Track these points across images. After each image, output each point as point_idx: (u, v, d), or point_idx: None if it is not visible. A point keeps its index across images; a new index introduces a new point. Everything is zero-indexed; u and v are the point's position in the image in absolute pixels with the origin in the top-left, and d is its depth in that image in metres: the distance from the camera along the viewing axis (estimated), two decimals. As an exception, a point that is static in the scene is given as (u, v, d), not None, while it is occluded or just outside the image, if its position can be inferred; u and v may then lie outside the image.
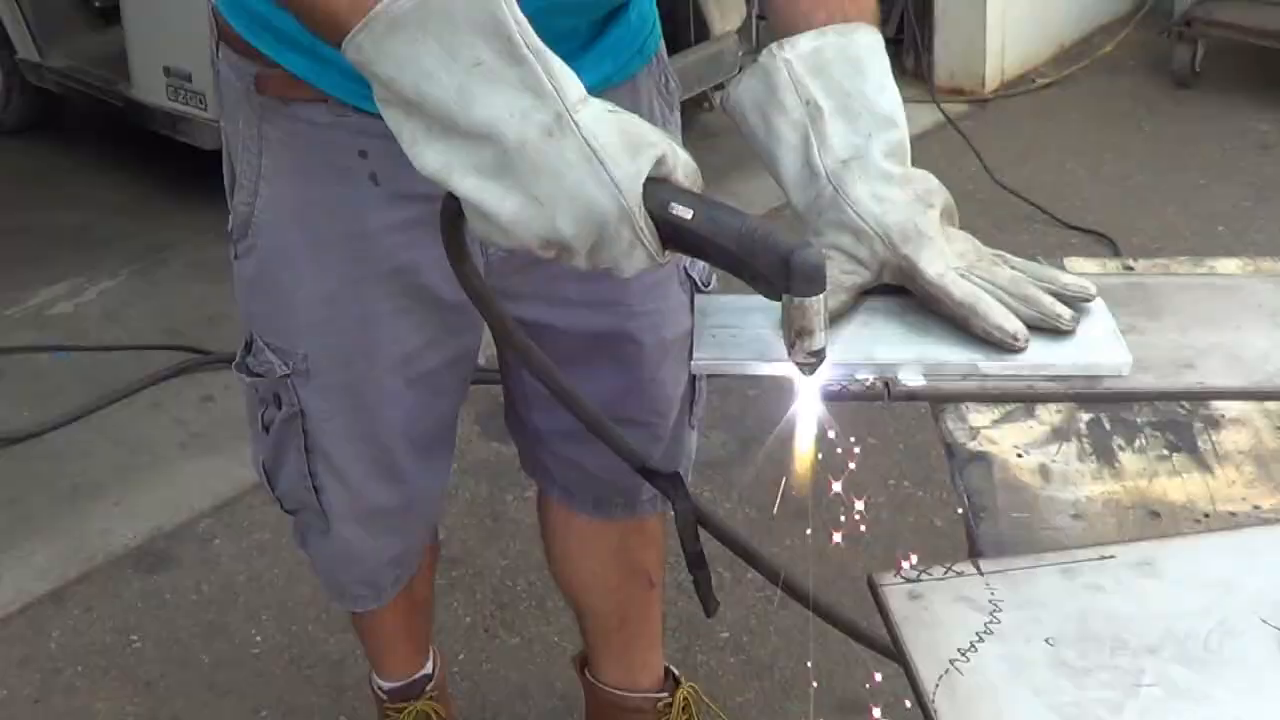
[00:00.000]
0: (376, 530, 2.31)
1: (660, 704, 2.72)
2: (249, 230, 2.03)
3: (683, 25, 5.14)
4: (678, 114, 2.19)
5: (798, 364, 1.43)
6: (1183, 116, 5.95)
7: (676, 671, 2.77)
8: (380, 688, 2.75)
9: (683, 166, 1.44)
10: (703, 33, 5.17)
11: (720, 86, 5.16)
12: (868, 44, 1.68)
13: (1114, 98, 6.16)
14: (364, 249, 1.99)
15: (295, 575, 3.46)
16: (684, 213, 1.40)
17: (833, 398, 1.51)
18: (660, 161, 1.41)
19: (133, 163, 5.81)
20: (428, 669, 2.76)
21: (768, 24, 1.78)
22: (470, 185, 1.40)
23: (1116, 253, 4.90)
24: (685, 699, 2.72)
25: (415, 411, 2.18)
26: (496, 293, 1.61)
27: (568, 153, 1.37)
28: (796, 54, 1.66)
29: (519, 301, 2.02)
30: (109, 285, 5.07)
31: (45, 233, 5.44)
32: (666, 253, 1.43)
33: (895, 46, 6.30)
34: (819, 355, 1.42)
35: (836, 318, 1.57)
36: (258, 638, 3.42)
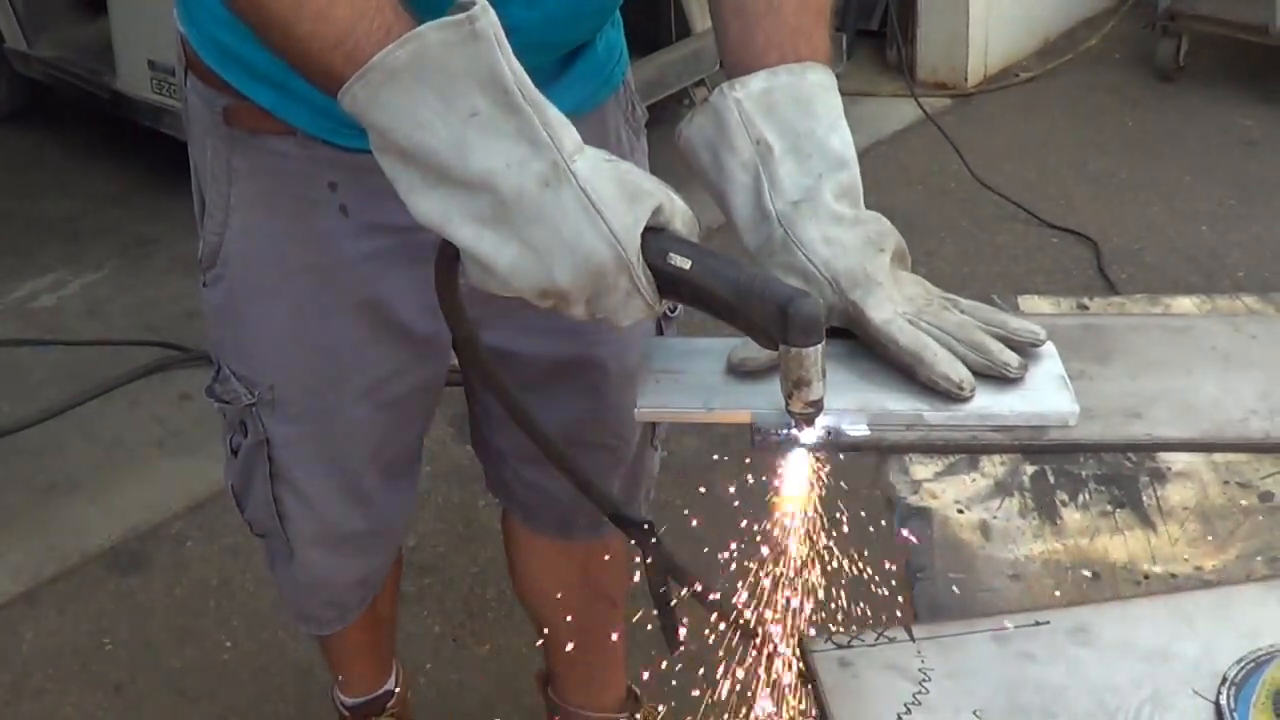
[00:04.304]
0: (343, 554, 2.31)
1: (622, 723, 2.72)
2: (218, 259, 2.01)
3: (664, 22, 5.13)
4: (644, 140, 2.18)
5: (795, 414, 1.44)
6: (1166, 111, 5.94)
7: (638, 691, 2.77)
8: (343, 704, 2.76)
9: (680, 215, 1.45)
10: (684, 29, 5.15)
11: (702, 83, 5.14)
12: (819, 83, 1.67)
13: (1097, 92, 6.14)
14: (333, 280, 1.98)
15: (266, 581, 3.44)
16: (682, 263, 1.41)
17: (773, 448, 1.51)
18: (658, 211, 1.42)
19: (121, 152, 5.79)
20: (390, 685, 2.77)
21: (721, 64, 1.77)
22: (468, 234, 1.41)
23: (1097, 253, 4.90)
24: (646, 719, 2.72)
25: (383, 438, 2.17)
26: None
27: (565, 202, 1.38)
28: (747, 93, 1.65)
29: (485, 329, 2.01)
30: (92, 278, 5.06)
31: (31, 223, 5.44)
32: (663, 301, 1.44)
33: (878, 40, 6.30)
34: (817, 405, 1.44)
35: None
36: (228, 643, 3.43)
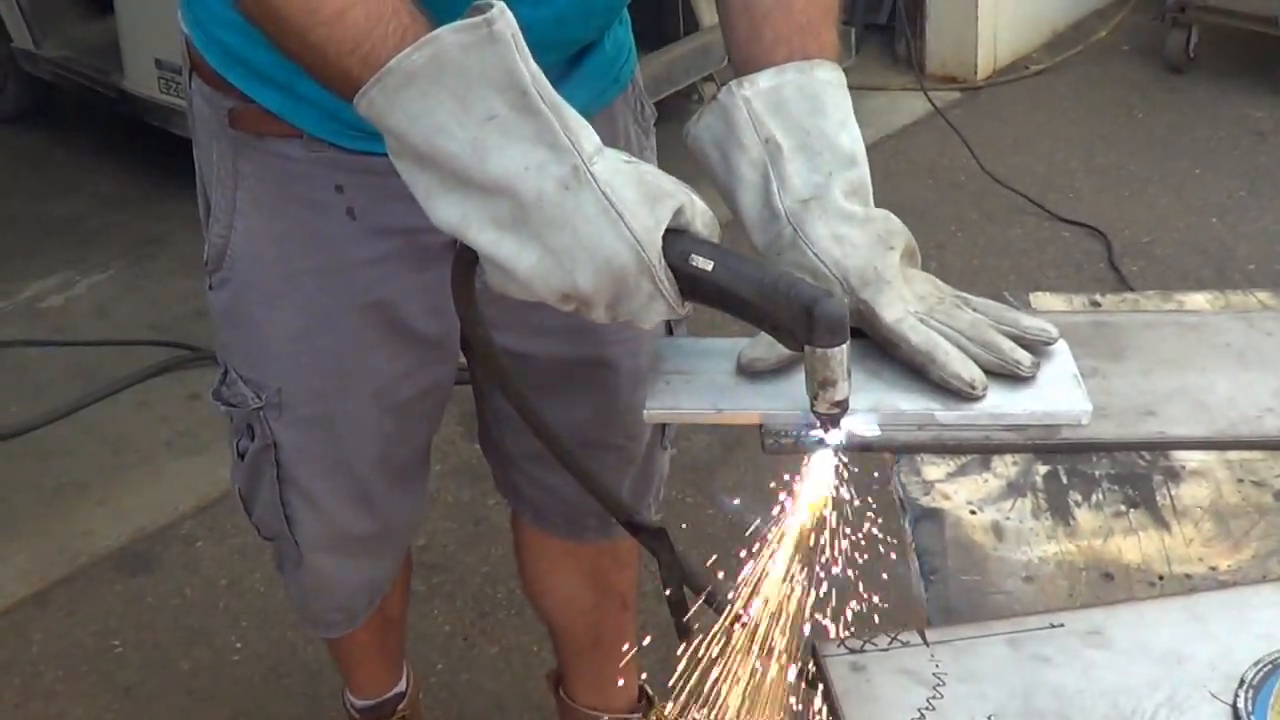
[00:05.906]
0: (351, 557, 2.30)
1: (634, 724, 2.71)
2: (223, 263, 2.00)
3: (671, 17, 5.11)
4: (653, 139, 2.17)
5: (821, 415, 1.43)
6: (1176, 104, 5.91)
7: (650, 691, 2.76)
8: (353, 705, 2.75)
9: (700, 216, 1.43)
10: (692, 25, 5.14)
11: (710, 78, 5.13)
12: (828, 80, 1.66)
13: (1107, 85, 6.12)
14: (340, 283, 1.96)
15: (275, 581, 3.41)
16: (704, 264, 1.40)
17: (784, 449, 1.50)
18: (679, 212, 1.41)
19: (127, 152, 5.79)
20: (401, 686, 2.75)
21: (729, 61, 1.76)
22: (487, 239, 1.40)
23: (1108, 247, 4.88)
24: (658, 719, 2.71)
25: (390, 441, 2.16)
26: None
27: (585, 206, 1.37)
28: (755, 91, 1.64)
29: (496, 330, 2.00)
30: (99, 279, 5.06)
31: (38, 223, 5.44)
32: (686, 304, 1.43)
33: (886, 33, 6.28)
34: (843, 405, 1.43)
35: (793, 363, 1.55)
36: (237, 644, 3.42)
